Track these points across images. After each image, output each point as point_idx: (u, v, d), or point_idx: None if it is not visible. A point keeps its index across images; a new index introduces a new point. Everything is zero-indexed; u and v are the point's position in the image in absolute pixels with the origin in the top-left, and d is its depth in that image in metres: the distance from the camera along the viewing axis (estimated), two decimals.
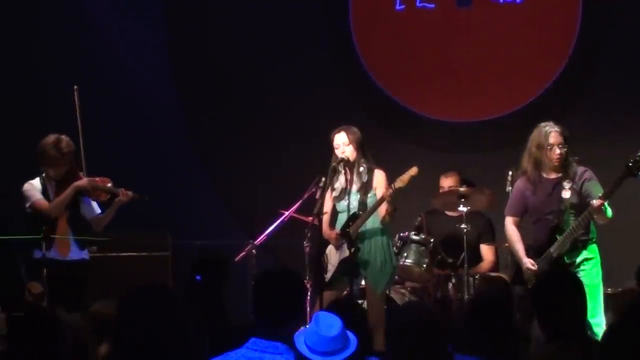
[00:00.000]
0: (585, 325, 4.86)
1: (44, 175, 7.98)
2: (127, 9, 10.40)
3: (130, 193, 8.05)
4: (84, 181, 7.94)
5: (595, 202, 7.28)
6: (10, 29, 10.24)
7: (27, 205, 7.93)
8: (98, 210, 8.13)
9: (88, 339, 4.89)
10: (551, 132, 7.57)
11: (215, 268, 6.27)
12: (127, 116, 10.13)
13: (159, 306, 3.49)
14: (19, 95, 10.14)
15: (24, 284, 7.97)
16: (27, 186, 7.96)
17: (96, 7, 10.38)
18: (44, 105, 10.10)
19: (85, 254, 8.03)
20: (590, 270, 7.48)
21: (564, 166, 7.60)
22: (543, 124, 7.64)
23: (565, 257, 7.50)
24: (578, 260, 7.50)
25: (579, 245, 7.50)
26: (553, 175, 7.63)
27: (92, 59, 10.19)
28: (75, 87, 8.14)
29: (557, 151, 7.55)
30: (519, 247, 7.70)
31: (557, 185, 7.60)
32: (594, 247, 7.56)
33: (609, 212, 7.39)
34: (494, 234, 9.16)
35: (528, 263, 7.57)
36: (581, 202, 7.48)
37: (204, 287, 6.13)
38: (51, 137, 7.91)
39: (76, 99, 8.08)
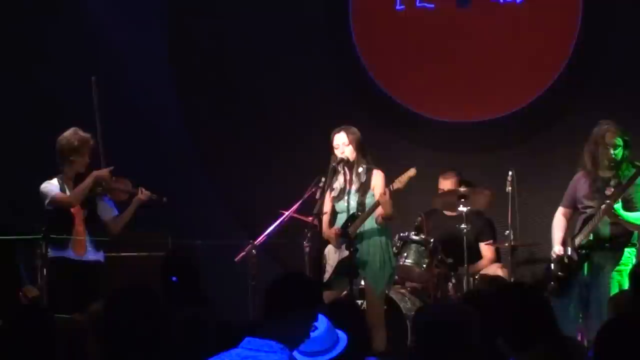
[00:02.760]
0: (557, 328, 4.84)
1: (61, 175, 8.04)
2: (127, 8, 10.40)
3: (148, 192, 8.10)
4: (104, 171, 8.00)
5: (605, 204, 7.29)
6: (10, 29, 10.24)
7: (47, 201, 7.96)
8: (116, 212, 8.17)
9: (87, 338, 4.89)
10: (608, 132, 7.51)
11: (184, 269, 6.22)
12: (127, 115, 10.12)
13: (141, 308, 3.50)
14: (18, 96, 10.14)
15: (23, 286, 7.98)
16: (44, 184, 8.01)
17: (96, 6, 10.38)
18: (44, 106, 10.11)
19: (100, 256, 8.05)
20: (616, 280, 7.38)
21: (617, 167, 7.54)
22: (605, 121, 7.59)
23: (588, 251, 7.45)
24: (603, 262, 7.44)
25: (606, 246, 7.47)
26: (606, 174, 7.60)
27: (92, 59, 10.18)
28: (93, 78, 8.19)
29: (611, 151, 7.50)
30: (556, 234, 7.73)
31: (605, 184, 7.56)
32: (628, 253, 7.46)
33: (627, 216, 7.36)
34: (494, 233, 9.17)
35: (555, 249, 7.60)
36: (623, 203, 7.42)
37: (181, 288, 6.09)
38: (68, 130, 8.04)
39: (94, 89, 8.16)
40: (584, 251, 7.48)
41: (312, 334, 4.21)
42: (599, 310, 7.27)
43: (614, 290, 7.33)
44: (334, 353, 4.41)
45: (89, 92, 8.28)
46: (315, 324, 4.19)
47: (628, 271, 7.22)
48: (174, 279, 6.08)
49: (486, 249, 9.16)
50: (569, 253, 7.51)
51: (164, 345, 3.51)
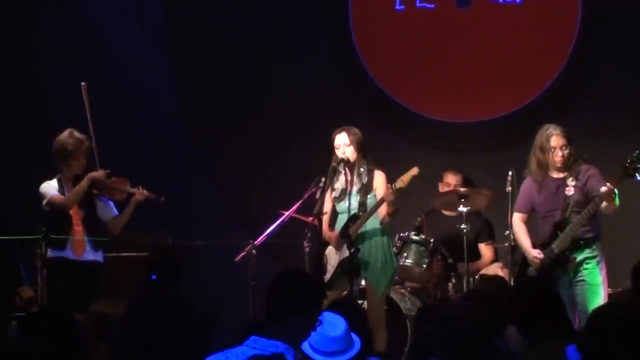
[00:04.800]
0: (568, 319, 4.90)
1: (60, 176, 8.04)
2: (127, 9, 10.39)
3: (146, 192, 8.10)
4: (99, 172, 8.00)
5: (605, 188, 7.32)
6: (9, 29, 10.23)
7: (45, 202, 7.97)
8: (116, 212, 8.16)
9: (89, 338, 4.89)
10: (553, 135, 7.60)
11: (169, 268, 6.21)
12: (126, 116, 10.12)
13: (173, 312, 3.50)
14: (17, 97, 10.14)
15: (22, 285, 7.97)
16: (44, 185, 8.03)
17: (96, 7, 10.37)
18: (43, 106, 10.10)
19: (99, 256, 8.04)
20: (592, 269, 7.54)
21: (569, 166, 7.62)
22: (546, 127, 7.68)
23: (566, 254, 7.53)
24: (580, 258, 7.56)
25: (580, 243, 7.55)
26: (558, 175, 7.66)
27: (92, 60, 10.17)
28: (83, 83, 8.20)
29: (560, 154, 7.59)
30: (525, 241, 7.79)
31: (562, 185, 7.63)
32: (597, 246, 7.60)
33: (618, 200, 7.45)
34: (493, 233, 9.18)
35: (534, 252, 7.65)
36: (584, 199, 7.51)
37: (161, 286, 6.08)
38: (64, 131, 8.03)
39: (85, 95, 8.15)
40: (562, 255, 7.55)
41: (332, 334, 4.21)
42: (584, 302, 7.46)
43: (592, 278, 7.50)
44: (348, 355, 4.41)
45: (80, 97, 8.29)
46: (336, 323, 4.19)
47: (597, 261, 7.55)
48: (153, 277, 6.09)
49: (485, 249, 9.17)
50: (551, 255, 7.58)
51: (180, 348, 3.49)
